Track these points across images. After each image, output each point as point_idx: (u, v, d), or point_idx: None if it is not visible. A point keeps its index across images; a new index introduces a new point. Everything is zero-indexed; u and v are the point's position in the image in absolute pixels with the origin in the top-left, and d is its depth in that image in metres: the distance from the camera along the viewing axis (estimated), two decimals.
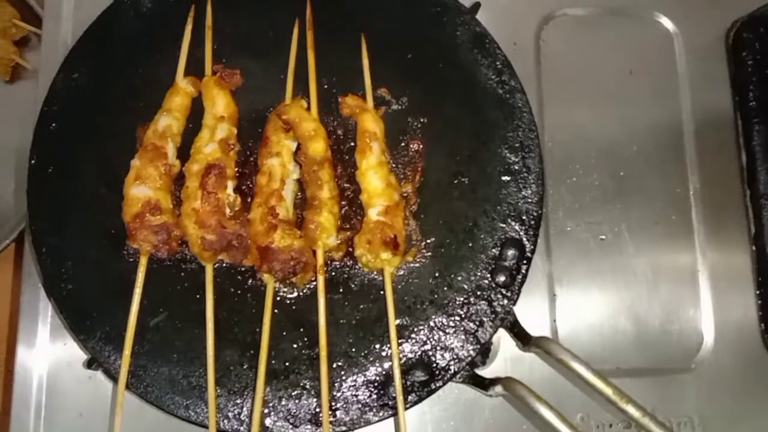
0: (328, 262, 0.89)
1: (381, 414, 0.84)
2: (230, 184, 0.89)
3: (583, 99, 1.05)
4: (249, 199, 0.90)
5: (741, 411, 0.96)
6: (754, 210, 1.02)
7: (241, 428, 0.84)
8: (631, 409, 0.73)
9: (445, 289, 0.89)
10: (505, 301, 0.88)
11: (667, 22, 1.09)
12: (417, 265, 0.90)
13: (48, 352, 0.94)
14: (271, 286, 0.87)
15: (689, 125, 1.05)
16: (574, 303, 0.98)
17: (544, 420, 0.75)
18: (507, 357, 0.95)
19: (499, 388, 0.83)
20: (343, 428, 0.84)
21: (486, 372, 0.92)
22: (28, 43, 1.19)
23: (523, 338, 0.89)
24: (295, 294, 0.89)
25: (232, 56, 0.96)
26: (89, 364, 0.90)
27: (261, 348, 0.84)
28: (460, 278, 0.89)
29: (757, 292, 1.00)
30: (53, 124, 0.92)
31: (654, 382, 0.96)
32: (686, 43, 1.08)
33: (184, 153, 0.91)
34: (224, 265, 0.89)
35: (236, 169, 0.91)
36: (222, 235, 0.86)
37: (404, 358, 0.86)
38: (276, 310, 0.88)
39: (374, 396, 0.85)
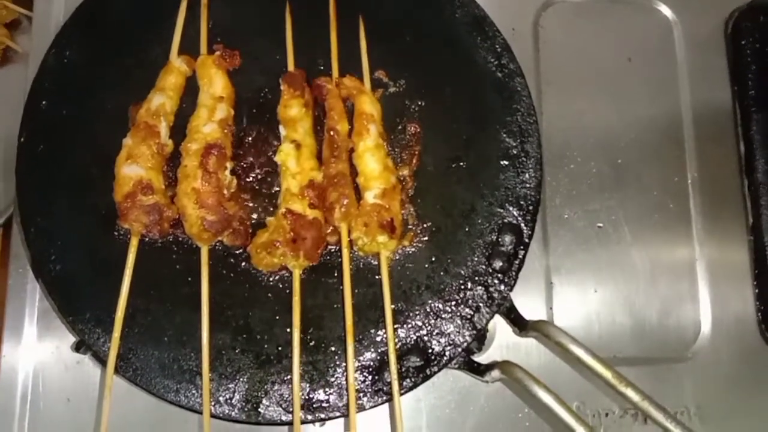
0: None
1: (375, 399, 0.83)
2: (228, 165, 0.87)
3: (581, 86, 1.04)
4: (244, 181, 0.89)
5: (737, 401, 0.96)
6: (752, 200, 1.01)
7: (233, 413, 0.82)
8: (630, 393, 0.72)
9: (442, 274, 0.88)
10: (502, 287, 0.87)
11: (666, 10, 1.08)
12: (413, 249, 0.89)
13: (35, 335, 0.92)
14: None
15: (688, 114, 1.05)
16: (571, 291, 0.97)
17: (542, 403, 0.74)
18: (503, 344, 0.94)
19: (495, 373, 0.82)
20: (337, 414, 0.82)
21: (481, 359, 0.91)
22: (19, 26, 1.17)
23: (519, 324, 0.88)
24: (288, 279, 0.87)
25: (225, 36, 0.94)
26: (77, 348, 0.88)
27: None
28: (456, 263, 0.88)
29: (755, 282, 1.00)
30: (44, 102, 0.90)
31: (650, 372, 0.95)
32: (685, 31, 1.07)
33: (176, 133, 0.90)
34: (217, 247, 0.87)
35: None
36: (223, 215, 0.84)
37: (399, 344, 0.85)
38: (269, 295, 0.86)
39: (368, 381, 0.84)
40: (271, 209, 0.89)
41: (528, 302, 0.95)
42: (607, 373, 0.73)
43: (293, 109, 0.90)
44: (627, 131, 1.03)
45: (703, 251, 1.00)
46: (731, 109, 1.05)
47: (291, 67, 0.93)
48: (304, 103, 0.90)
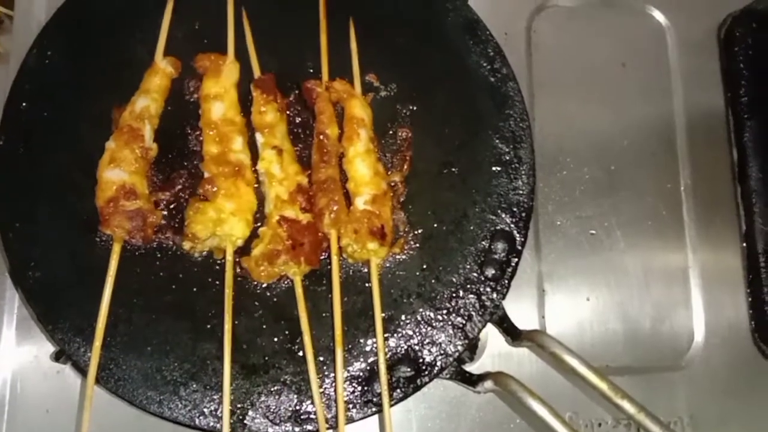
0: None
1: (365, 410, 0.81)
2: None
3: (574, 91, 1.04)
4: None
5: (731, 409, 0.95)
6: (744, 207, 1.01)
7: (218, 425, 0.80)
8: (626, 405, 0.70)
9: (433, 281, 0.86)
10: (495, 295, 0.85)
11: (659, 15, 1.08)
12: (404, 257, 0.87)
13: (13, 343, 0.89)
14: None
15: (681, 120, 1.04)
16: (563, 299, 0.97)
17: (536, 415, 0.72)
18: (494, 353, 0.93)
19: (488, 384, 0.81)
20: (326, 426, 0.80)
21: (473, 368, 0.90)
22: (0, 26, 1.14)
23: (512, 333, 0.86)
24: (276, 286, 0.85)
25: (212, 38, 0.92)
26: (57, 357, 0.86)
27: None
28: (448, 271, 0.86)
29: (748, 289, 0.99)
30: (24, 103, 0.88)
31: (644, 381, 0.94)
32: (678, 37, 1.07)
33: (161, 136, 0.88)
34: (204, 254, 0.85)
35: None
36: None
37: (390, 353, 0.83)
38: (256, 303, 0.84)
39: (357, 392, 0.82)
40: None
41: (520, 310, 0.94)
42: (602, 385, 0.71)
43: (269, 114, 0.87)
44: (620, 137, 1.03)
45: (696, 258, 1.00)
46: (724, 115, 1.05)
47: (257, 72, 0.90)
48: (278, 108, 0.88)
